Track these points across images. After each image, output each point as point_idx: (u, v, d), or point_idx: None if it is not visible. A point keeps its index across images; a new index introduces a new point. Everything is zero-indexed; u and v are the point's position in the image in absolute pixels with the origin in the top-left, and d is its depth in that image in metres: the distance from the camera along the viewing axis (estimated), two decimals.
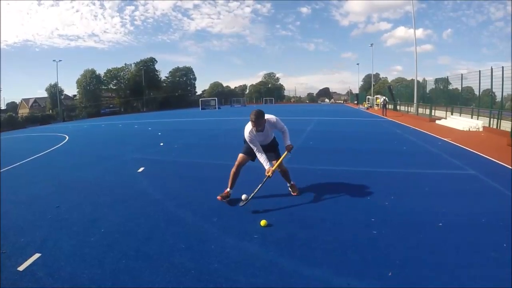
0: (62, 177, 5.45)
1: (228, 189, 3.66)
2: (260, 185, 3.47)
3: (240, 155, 3.68)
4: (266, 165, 3.47)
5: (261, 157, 3.50)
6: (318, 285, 2.06)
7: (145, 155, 7.36)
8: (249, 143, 3.53)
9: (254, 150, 3.53)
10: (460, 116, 13.80)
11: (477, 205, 3.43)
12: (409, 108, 22.89)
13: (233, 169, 3.64)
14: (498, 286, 1.98)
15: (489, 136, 9.56)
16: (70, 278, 2.21)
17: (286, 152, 3.59)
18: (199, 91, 69.14)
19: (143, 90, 53.16)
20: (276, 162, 3.60)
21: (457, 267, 2.19)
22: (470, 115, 13.00)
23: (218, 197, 3.64)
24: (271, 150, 3.71)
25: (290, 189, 3.90)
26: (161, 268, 2.31)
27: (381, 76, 69.02)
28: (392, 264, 2.26)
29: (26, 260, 2.47)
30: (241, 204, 3.41)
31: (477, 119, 12.09)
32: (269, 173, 3.42)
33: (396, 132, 11.12)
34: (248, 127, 3.46)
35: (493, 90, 12.20)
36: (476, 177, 4.66)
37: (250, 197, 3.45)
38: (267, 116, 3.48)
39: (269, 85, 75.80)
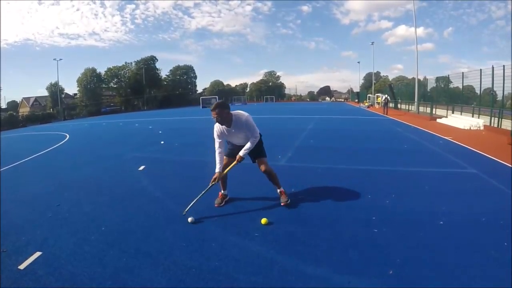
0: (63, 176, 5.47)
1: (222, 191, 3.60)
2: (204, 191, 3.33)
3: (224, 158, 3.45)
4: (217, 168, 3.25)
5: (217, 156, 3.28)
6: (318, 283, 2.06)
7: (146, 154, 7.37)
8: (214, 135, 3.31)
9: (215, 145, 3.29)
10: (461, 114, 13.78)
11: (478, 204, 3.42)
12: (410, 106, 22.84)
13: None
14: (498, 286, 1.97)
15: (489, 135, 9.54)
16: (70, 276, 2.22)
17: (235, 162, 3.34)
18: (199, 89, 69.12)
19: (143, 88, 53.11)
20: (261, 164, 3.39)
21: (457, 267, 2.19)
22: (471, 114, 12.97)
23: (216, 204, 3.50)
24: (253, 150, 3.35)
25: (279, 195, 3.52)
26: (162, 266, 2.31)
27: (381, 74, 68.96)
28: (392, 262, 2.26)
29: (26, 258, 2.48)
30: (189, 220, 3.10)
31: (478, 118, 12.07)
32: (213, 180, 3.24)
33: (397, 130, 11.10)
34: None
35: (494, 88, 12.18)
36: (477, 175, 4.66)
37: (191, 204, 3.28)
38: (237, 111, 3.22)
39: (270, 84, 75.67)
